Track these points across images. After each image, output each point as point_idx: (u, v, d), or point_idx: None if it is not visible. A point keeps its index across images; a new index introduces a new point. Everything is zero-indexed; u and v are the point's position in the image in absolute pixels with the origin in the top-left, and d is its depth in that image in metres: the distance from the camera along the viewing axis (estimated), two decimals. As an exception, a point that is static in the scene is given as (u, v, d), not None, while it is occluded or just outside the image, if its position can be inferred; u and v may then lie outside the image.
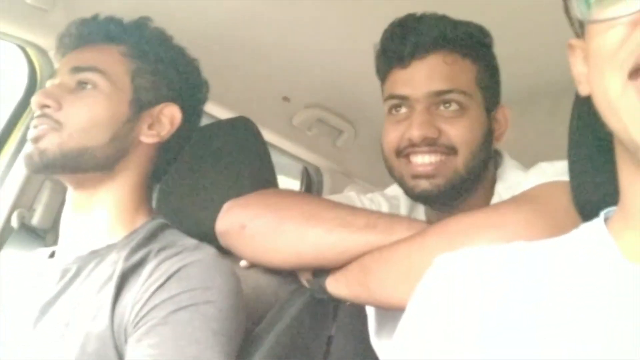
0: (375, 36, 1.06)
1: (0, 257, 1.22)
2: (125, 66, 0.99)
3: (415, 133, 0.96)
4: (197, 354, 0.78)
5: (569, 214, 0.70)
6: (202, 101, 1.10)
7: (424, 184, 0.98)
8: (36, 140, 0.93)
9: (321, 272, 0.96)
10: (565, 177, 0.70)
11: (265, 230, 0.97)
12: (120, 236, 0.95)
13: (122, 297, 0.84)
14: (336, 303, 1.00)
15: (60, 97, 0.94)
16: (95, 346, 0.81)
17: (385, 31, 1.03)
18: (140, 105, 0.99)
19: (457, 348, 0.54)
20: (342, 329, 1.03)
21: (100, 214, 0.96)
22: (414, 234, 0.86)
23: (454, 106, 0.98)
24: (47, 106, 0.93)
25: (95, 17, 1.03)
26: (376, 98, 1.11)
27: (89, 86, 0.96)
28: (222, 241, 1.04)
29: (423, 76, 0.99)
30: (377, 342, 1.09)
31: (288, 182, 2.23)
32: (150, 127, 1.00)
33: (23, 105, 1.37)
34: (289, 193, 1.15)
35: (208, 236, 1.02)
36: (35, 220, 1.38)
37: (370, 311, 1.11)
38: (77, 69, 0.97)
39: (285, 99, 1.74)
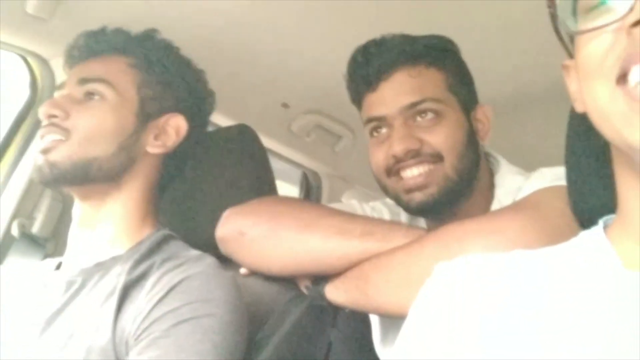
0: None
1: (3, 266, 1.22)
2: (132, 77, 1.00)
3: (397, 148, 0.98)
4: None
5: (567, 220, 0.70)
6: (208, 112, 1.11)
7: (418, 196, 0.98)
8: (46, 152, 0.93)
9: (320, 279, 0.97)
10: (565, 182, 0.71)
11: (264, 237, 0.98)
12: (126, 247, 0.95)
13: (124, 310, 0.84)
14: (335, 310, 1.00)
15: (67, 107, 0.95)
16: (97, 359, 0.81)
17: (349, 60, 1.06)
18: (147, 116, 1.00)
19: (458, 354, 0.55)
20: (341, 336, 1.03)
21: (107, 227, 0.97)
22: (411, 241, 0.87)
23: (429, 115, 0.99)
24: (55, 116, 0.94)
25: (102, 29, 1.04)
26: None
27: (96, 97, 0.97)
28: (222, 248, 1.04)
29: (392, 94, 1.01)
30: (382, 350, 1.10)
31: (287, 187, 2.23)
32: (156, 137, 1.01)
33: (24, 115, 1.37)
34: (288, 200, 1.16)
35: (208, 243, 1.03)
36: (35, 229, 1.38)
37: (374, 319, 1.11)
38: (84, 80, 0.98)
39: (284, 105, 1.74)
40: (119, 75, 0.99)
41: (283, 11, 1.30)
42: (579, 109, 0.57)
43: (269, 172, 1.19)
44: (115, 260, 0.93)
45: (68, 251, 1.00)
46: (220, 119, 1.59)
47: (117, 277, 0.88)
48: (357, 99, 1.07)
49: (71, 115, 0.95)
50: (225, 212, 1.05)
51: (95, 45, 1.02)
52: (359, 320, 1.09)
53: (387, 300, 0.86)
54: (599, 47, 0.49)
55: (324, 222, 0.94)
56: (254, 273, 1.05)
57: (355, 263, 0.91)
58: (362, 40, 1.06)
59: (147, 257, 0.92)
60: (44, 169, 0.93)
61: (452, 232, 0.84)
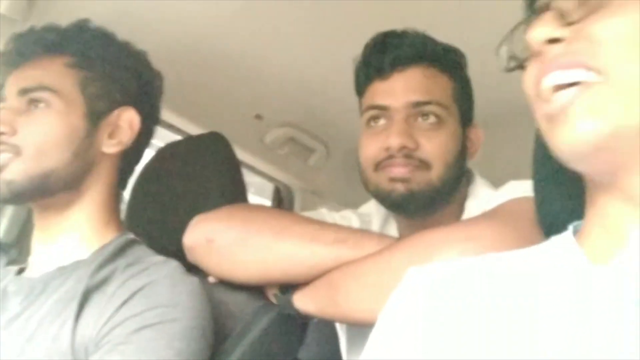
0: (349, 56, 1.08)
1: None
2: (73, 77, 0.96)
3: (394, 141, 0.98)
4: None
5: (536, 228, 0.71)
6: (158, 96, 1.08)
7: (400, 188, 0.99)
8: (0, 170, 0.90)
9: (288, 287, 0.95)
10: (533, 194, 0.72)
11: (232, 244, 0.96)
12: (90, 252, 0.93)
13: (85, 315, 0.82)
14: (304, 319, 0.99)
15: (13, 122, 0.91)
16: None
17: (367, 44, 1.06)
18: (96, 116, 0.97)
19: (427, 357, 0.54)
20: (310, 345, 1.02)
21: (71, 235, 0.94)
22: (383, 249, 0.86)
23: (432, 118, 1.00)
24: (2, 133, 0.91)
25: (31, 29, 0.99)
26: (349, 118, 1.12)
27: (41, 104, 0.93)
28: (189, 256, 1.02)
29: (403, 87, 1.01)
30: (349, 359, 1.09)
31: (259, 201, 2.22)
32: (110, 136, 0.98)
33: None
34: (259, 207, 1.14)
35: (176, 251, 1.01)
36: (-2, 235, 1.36)
37: (341, 328, 1.10)
38: (24, 91, 0.94)
39: (258, 116, 1.74)
40: (59, 78, 0.95)
41: (259, 22, 1.31)
42: None
43: (241, 181, 1.18)
44: (78, 264, 0.91)
45: (31, 257, 0.97)
46: (192, 128, 1.58)
47: (79, 281, 0.86)
48: (363, 83, 1.07)
49: (18, 130, 0.91)
50: (194, 219, 1.03)
51: (25, 48, 0.97)
52: (327, 330, 1.08)
53: (357, 308, 0.85)
54: (528, 79, 0.54)
55: (295, 229, 0.93)
56: (221, 281, 1.03)
57: (326, 271, 0.89)
58: (339, 54, 1.07)
59: (110, 261, 0.89)
60: (1, 188, 0.90)
61: (424, 239, 0.84)
